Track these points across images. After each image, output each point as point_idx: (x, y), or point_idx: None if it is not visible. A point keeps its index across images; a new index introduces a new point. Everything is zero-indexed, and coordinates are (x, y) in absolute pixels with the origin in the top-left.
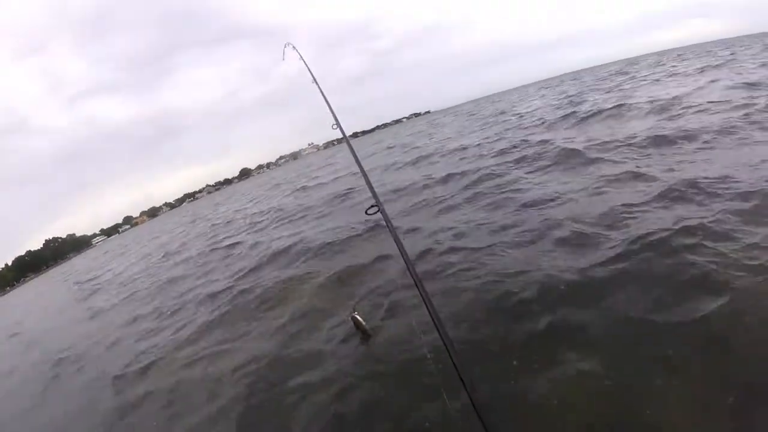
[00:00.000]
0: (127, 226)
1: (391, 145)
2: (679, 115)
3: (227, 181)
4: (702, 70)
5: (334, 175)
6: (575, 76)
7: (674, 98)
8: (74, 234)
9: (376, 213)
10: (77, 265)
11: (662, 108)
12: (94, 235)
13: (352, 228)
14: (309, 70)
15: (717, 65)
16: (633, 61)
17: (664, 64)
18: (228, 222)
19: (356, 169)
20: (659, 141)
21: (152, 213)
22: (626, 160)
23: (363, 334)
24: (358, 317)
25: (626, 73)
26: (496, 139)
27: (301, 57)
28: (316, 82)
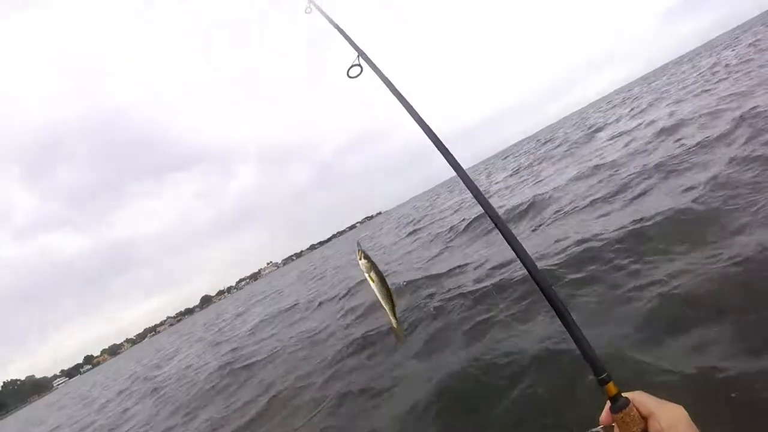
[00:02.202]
0: (89, 366)
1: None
2: None
3: (188, 311)
4: None
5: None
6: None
7: None
8: (34, 376)
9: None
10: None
11: None
12: (55, 377)
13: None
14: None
15: None
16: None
17: None
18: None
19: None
20: None
21: (113, 351)
22: None
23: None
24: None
25: None
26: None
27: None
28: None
